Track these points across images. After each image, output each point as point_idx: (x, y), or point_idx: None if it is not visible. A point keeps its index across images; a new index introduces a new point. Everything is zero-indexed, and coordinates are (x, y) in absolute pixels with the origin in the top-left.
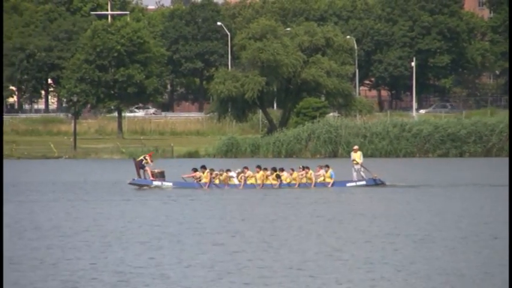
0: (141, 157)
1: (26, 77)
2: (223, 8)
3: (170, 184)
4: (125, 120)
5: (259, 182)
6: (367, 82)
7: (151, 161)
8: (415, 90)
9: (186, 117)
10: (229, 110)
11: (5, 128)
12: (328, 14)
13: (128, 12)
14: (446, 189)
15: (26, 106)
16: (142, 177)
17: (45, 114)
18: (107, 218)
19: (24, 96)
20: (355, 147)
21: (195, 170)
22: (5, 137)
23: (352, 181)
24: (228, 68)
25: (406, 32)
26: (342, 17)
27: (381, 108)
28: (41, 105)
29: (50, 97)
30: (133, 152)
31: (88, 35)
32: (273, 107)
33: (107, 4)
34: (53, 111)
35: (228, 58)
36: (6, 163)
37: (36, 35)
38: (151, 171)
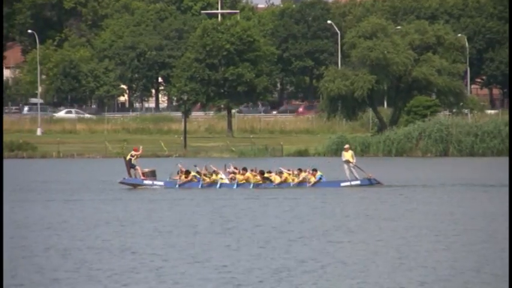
0: (129, 156)
1: (136, 75)
2: (333, 7)
3: (161, 183)
4: (235, 119)
5: (250, 180)
6: (478, 80)
7: (138, 153)
8: None
9: (296, 115)
10: (339, 108)
11: (116, 127)
12: (439, 12)
13: (238, 11)
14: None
15: (137, 105)
16: (133, 176)
17: (156, 112)
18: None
19: (135, 95)
20: (346, 146)
21: (188, 172)
22: (117, 136)
23: (346, 181)
24: (338, 66)
25: None
26: (453, 15)
27: (493, 106)
28: (152, 104)
29: (160, 96)
30: (243, 150)
31: (198, 33)
32: (383, 105)
33: (217, 3)
34: (163, 109)
35: (338, 56)
36: (117, 161)
37: (147, 34)
38: (142, 171)
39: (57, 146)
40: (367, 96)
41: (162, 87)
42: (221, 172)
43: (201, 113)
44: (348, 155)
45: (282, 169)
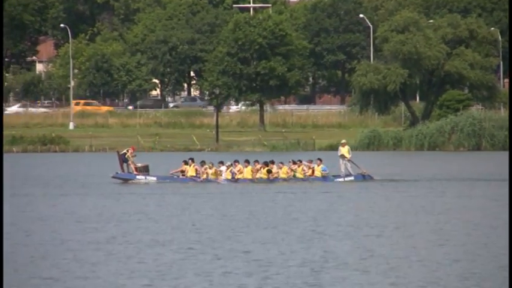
0: (124, 150)
1: (168, 69)
2: (365, 0)
3: (154, 178)
4: (267, 113)
5: (248, 176)
6: None
7: (134, 156)
8: None
9: (328, 109)
10: (371, 102)
11: (148, 121)
12: (472, 5)
13: (270, 5)
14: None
15: (169, 99)
16: (126, 171)
17: (188, 106)
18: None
19: (167, 89)
20: (343, 141)
21: (186, 162)
22: (149, 130)
23: (340, 176)
24: (370, 60)
25: None
26: (486, 8)
27: None
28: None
29: (192, 90)
30: (275, 144)
31: (230, 27)
32: (415, 99)
33: None
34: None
35: (370, 50)
36: (151, 156)
37: (179, 28)
38: (135, 166)
39: (90, 140)
40: (400, 90)
41: (194, 82)
42: (223, 166)
43: (233, 107)
44: (344, 150)
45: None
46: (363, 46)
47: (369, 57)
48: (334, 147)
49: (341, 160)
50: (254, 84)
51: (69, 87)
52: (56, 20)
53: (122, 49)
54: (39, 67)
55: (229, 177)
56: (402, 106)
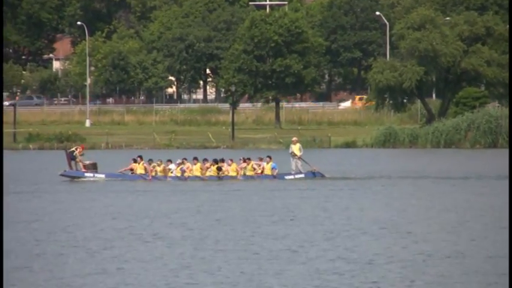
0: (73, 148)
1: (184, 67)
2: None
3: (103, 176)
4: (283, 110)
5: (197, 174)
6: None
7: (81, 154)
8: None
9: (344, 107)
10: (388, 99)
11: (165, 118)
12: (488, 2)
13: (286, 2)
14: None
15: (185, 96)
16: (74, 168)
17: (204, 104)
18: None
19: (183, 87)
20: (294, 138)
21: (135, 160)
22: (165, 127)
23: (290, 174)
24: (386, 57)
25: None
26: (503, 6)
27: None
28: (200, 96)
29: (208, 87)
30: (290, 142)
31: (246, 25)
32: (431, 96)
33: None
34: (211, 101)
35: (386, 48)
36: (167, 153)
37: (196, 25)
38: (83, 163)
39: (106, 137)
40: (416, 88)
41: (210, 79)
42: (171, 164)
43: (248, 105)
44: (295, 147)
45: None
46: (379, 43)
47: (385, 55)
48: (350, 145)
49: (291, 158)
50: (270, 82)
51: (85, 85)
52: (72, 17)
53: (138, 47)
54: (56, 65)
55: (179, 174)
56: (418, 103)
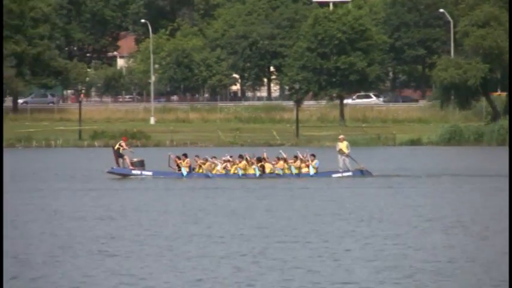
0: (117, 145)
1: (248, 65)
2: None
3: (150, 173)
4: (347, 108)
5: (241, 171)
6: None
7: (127, 146)
8: None
9: (408, 104)
10: (452, 97)
11: (229, 116)
12: None
13: (349, 0)
14: None
15: (249, 94)
16: (121, 166)
17: (268, 101)
18: None
19: (247, 84)
20: (341, 136)
21: (178, 158)
22: (229, 125)
23: (338, 172)
24: (450, 55)
25: None
26: None
27: None
28: (264, 93)
29: (272, 85)
30: (355, 139)
31: (310, 23)
32: (496, 93)
33: None
34: (275, 98)
35: (450, 45)
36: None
37: (259, 23)
38: (131, 161)
39: (170, 135)
40: (480, 85)
41: (274, 77)
42: (217, 161)
43: (313, 102)
44: (342, 145)
45: (283, 154)
46: (443, 41)
47: (450, 52)
48: (415, 142)
49: (339, 156)
50: (334, 79)
51: (149, 82)
52: (136, 15)
53: (202, 44)
54: (120, 62)
55: (224, 172)
56: (483, 101)
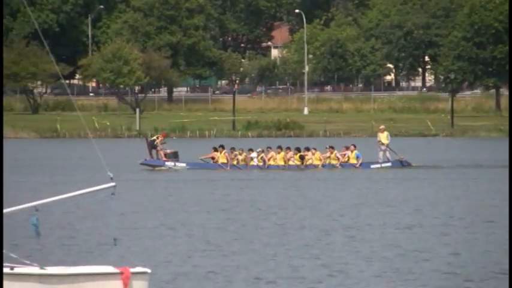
0: (154, 137)
1: (403, 54)
2: None
3: (184, 165)
4: (503, 98)
5: (281, 163)
6: None
7: (163, 142)
8: None
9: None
10: None
11: (383, 106)
12: None
13: None
14: None
15: (403, 83)
16: (155, 157)
17: (422, 91)
18: None
19: (401, 74)
20: (382, 127)
21: (215, 149)
22: (383, 115)
23: (377, 163)
24: None
25: None
26: None
27: None
28: (418, 83)
29: (426, 74)
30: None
31: (466, 12)
32: None
33: None
34: (430, 88)
35: None
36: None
37: (414, 12)
38: (164, 152)
39: (324, 125)
40: None
41: (428, 66)
42: (253, 152)
43: (468, 92)
44: (383, 136)
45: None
46: None
47: None
48: None
49: (379, 146)
50: (490, 69)
51: (303, 73)
52: (291, 5)
53: (356, 34)
54: (274, 52)
55: (261, 163)
56: None
